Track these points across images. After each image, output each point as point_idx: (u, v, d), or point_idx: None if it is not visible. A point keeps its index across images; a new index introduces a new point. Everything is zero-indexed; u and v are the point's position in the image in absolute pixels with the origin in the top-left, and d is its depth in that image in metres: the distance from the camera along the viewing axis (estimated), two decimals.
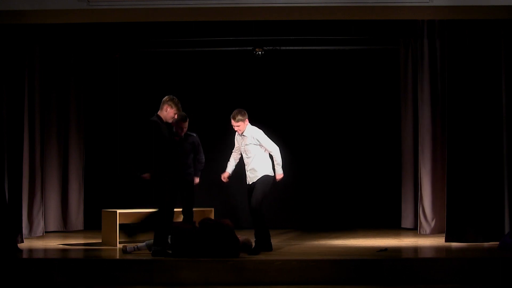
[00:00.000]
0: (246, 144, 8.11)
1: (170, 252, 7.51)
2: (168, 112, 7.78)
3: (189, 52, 11.22)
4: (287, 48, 11.18)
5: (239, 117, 8.03)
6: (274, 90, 11.34)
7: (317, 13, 8.12)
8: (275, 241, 8.25)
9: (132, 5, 7.78)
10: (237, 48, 11.18)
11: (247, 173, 8.16)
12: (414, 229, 10.30)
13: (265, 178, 8.04)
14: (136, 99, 11.22)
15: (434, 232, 9.84)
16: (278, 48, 11.15)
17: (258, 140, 8.08)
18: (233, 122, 8.07)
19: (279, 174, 8.12)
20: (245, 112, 8.10)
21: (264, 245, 7.96)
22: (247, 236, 7.96)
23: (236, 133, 8.22)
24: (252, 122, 8.18)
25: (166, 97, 7.86)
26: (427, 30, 9.98)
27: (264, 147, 8.10)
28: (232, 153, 8.40)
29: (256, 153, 8.09)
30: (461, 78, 8.82)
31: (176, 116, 7.89)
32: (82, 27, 10.53)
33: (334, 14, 8.22)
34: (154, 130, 7.65)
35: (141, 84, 11.29)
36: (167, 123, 7.84)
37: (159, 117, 7.78)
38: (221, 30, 10.70)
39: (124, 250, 7.89)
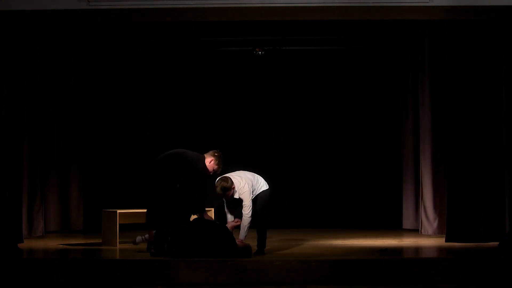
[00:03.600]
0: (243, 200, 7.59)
1: (153, 251, 7.47)
2: (210, 165, 7.74)
3: (189, 52, 11.21)
4: (287, 48, 11.17)
5: (224, 185, 7.46)
6: (274, 90, 11.32)
7: (317, 13, 8.13)
8: (275, 241, 8.23)
9: (132, 5, 7.78)
10: (237, 48, 11.16)
11: None
12: (416, 230, 10.23)
13: (264, 193, 7.74)
14: (136, 99, 11.24)
15: (437, 232, 9.73)
16: (278, 48, 11.13)
17: (243, 198, 7.51)
18: (225, 197, 7.57)
19: (240, 239, 7.48)
20: (226, 178, 7.52)
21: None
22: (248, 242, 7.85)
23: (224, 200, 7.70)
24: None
25: (216, 151, 7.79)
26: (427, 30, 9.97)
27: (242, 200, 7.52)
28: (226, 208, 7.79)
29: (247, 189, 7.52)
30: (461, 78, 8.82)
31: (211, 173, 7.78)
32: (82, 27, 10.52)
33: (334, 14, 8.22)
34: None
35: (141, 84, 11.29)
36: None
37: (204, 160, 7.76)
38: (221, 30, 10.67)
39: (134, 242, 7.93)
